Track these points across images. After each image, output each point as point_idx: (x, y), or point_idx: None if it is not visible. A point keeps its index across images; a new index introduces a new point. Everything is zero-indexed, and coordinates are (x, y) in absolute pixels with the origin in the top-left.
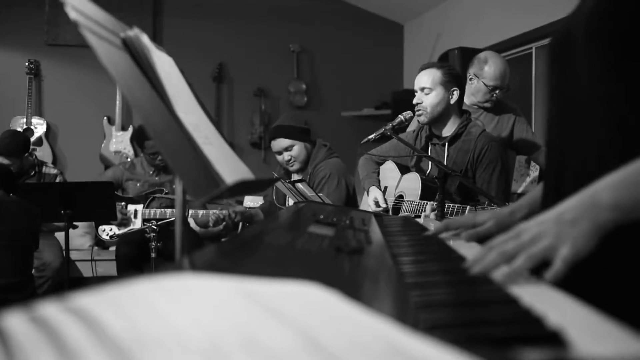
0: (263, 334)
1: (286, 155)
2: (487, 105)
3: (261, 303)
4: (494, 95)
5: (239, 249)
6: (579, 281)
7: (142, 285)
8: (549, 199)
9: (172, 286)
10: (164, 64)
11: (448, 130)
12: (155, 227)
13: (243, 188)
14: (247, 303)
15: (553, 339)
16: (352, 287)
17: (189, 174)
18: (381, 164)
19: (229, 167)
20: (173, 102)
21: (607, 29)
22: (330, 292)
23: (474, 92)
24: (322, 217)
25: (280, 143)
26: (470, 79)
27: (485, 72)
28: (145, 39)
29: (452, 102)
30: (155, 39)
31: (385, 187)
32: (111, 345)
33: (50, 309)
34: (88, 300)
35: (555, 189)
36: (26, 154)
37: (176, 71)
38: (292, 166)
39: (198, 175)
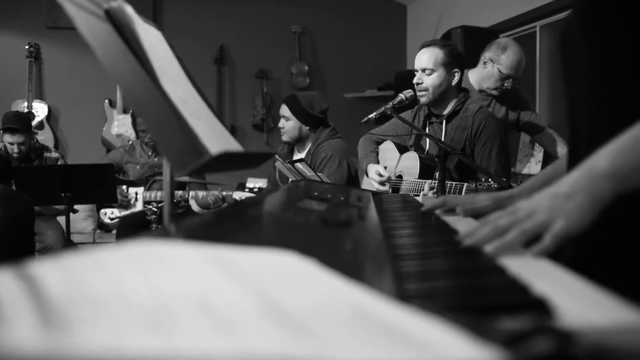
0: (219, 297)
1: (281, 123)
2: (495, 93)
3: (227, 269)
4: (505, 84)
5: (224, 220)
6: (572, 254)
7: (104, 252)
8: None
9: (135, 252)
10: (151, 37)
11: (447, 111)
12: (155, 210)
13: (234, 162)
14: (211, 269)
15: (538, 307)
16: (333, 257)
17: (173, 146)
18: (380, 143)
19: (218, 141)
20: (159, 75)
21: (591, 18)
22: (306, 260)
23: (486, 77)
24: (316, 193)
25: (283, 109)
26: (485, 63)
27: (502, 59)
28: (129, 10)
29: (453, 83)
30: (156, 20)
31: (385, 168)
32: (43, 304)
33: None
34: (41, 267)
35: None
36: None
37: (164, 45)
38: (282, 134)
39: (183, 148)
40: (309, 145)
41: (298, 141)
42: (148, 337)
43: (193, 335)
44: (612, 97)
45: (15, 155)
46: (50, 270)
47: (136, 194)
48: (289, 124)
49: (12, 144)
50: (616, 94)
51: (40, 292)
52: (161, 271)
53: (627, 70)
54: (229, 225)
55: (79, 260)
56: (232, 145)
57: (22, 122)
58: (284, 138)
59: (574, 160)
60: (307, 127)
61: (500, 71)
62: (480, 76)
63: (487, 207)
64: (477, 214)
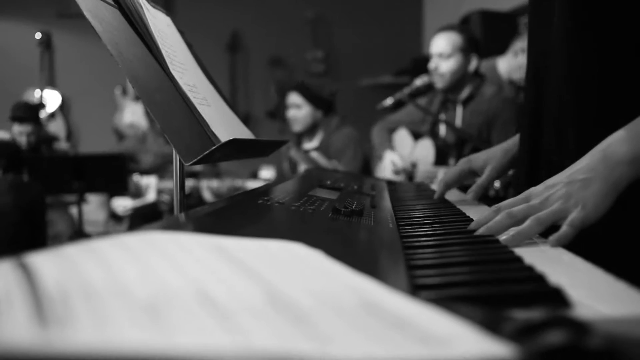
0: (222, 289)
1: (291, 112)
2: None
3: (231, 260)
4: None
5: (233, 209)
6: (588, 242)
7: (104, 241)
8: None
9: (136, 242)
10: (160, 22)
11: (463, 95)
12: (167, 201)
13: (246, 150)
14: (214, 260)
15: (554, 298)
16: (344, 248)
17: (180, 134)
18: (393, 131)
19: (228, 129)
20: (167, 61)
21: None
22: (313, 251)
23: (516, 67)
24: (329, 182)
25: (292, 98)
26: (515, 53)
27: None
28: None
29: (470, 69)
30: (168, 7)
31: (400, 156)
32: (39, 297)
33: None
34: (39, 257)
35: (532, 126)
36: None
37: (173, 31)
38: (293, 124)
39: (191, 136)
40: (318, 135)
41: (309, 130)
42: (146, 331)
43: (193, 330)
44: (594, 61)
45: (24, 145)
46: (48, 261)
47: (148, 184)
48: (301, 112)
49: (20, 133)
50: (599, 58)
51: (37, 284)
52: (162, 262)
53: (613, 32)
54: (238, 215)
55: (78, 251)
56: (243, 132)
57: (29, 112)
58: (296, 128)
59: (536, 126)
60: (320, 113)
61: None
62: (511, 66)
63: (490, 177)
64: (485, 190)
